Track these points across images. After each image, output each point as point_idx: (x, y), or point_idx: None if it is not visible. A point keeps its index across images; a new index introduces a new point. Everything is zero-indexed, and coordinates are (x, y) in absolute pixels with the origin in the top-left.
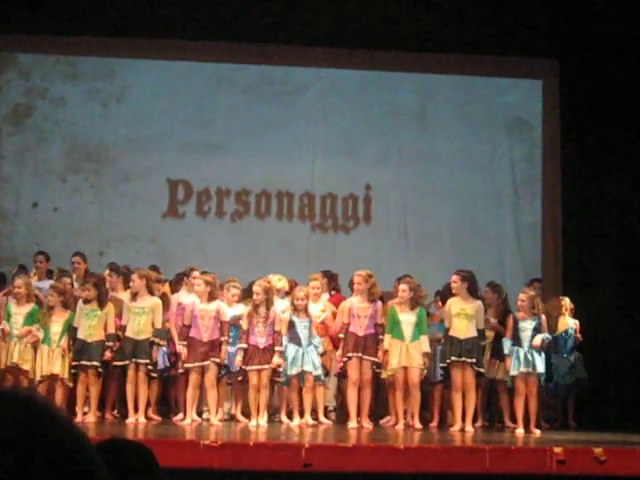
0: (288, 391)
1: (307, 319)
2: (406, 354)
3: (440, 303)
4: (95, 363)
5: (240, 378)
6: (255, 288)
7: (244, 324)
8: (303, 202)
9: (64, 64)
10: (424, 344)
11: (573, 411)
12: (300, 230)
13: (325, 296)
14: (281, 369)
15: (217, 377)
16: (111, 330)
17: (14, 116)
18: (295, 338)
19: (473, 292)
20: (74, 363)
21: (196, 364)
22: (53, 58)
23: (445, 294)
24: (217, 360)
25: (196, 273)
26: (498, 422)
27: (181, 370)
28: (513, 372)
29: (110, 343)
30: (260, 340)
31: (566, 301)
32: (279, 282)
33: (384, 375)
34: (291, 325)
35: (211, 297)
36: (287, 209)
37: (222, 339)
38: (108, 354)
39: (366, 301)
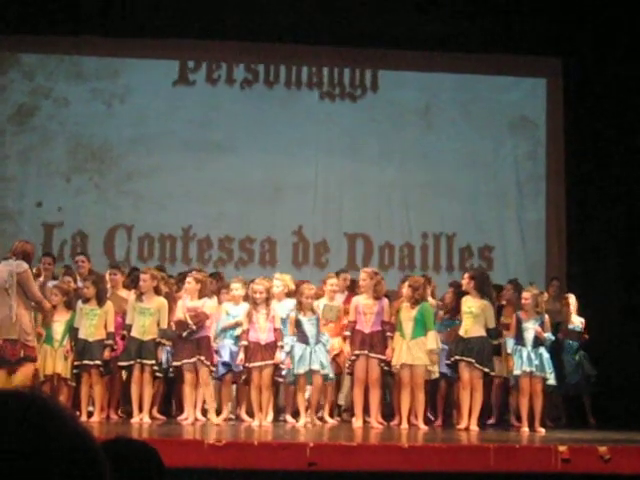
0: (295, 390)
1: (314, 316)
2: (407, 351)
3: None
4: (97, 362)
5: (244, 377)
6: (257, 287)
7: (244, 323)
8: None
9: (68, 64)
10: (430, 341)
11: (590, 408)
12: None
13: (339, 296)
14: (284, 366)
15: (212, 374)
16: (111, 328)
17: (18, 116)
18: (302, 337)
19: (480, 291)
20: (76, 363)
21: (184, 361)
22: (57, 58)
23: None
24: (202, 358)
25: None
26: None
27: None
28: (516, 372)
29: (110, 341)
30: (262, 336)
31: (572, 299)
32: (291, 283)
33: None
34: (298, 324)
35: (201, 295)
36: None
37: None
38: (107, 353)
39: (372, 298)
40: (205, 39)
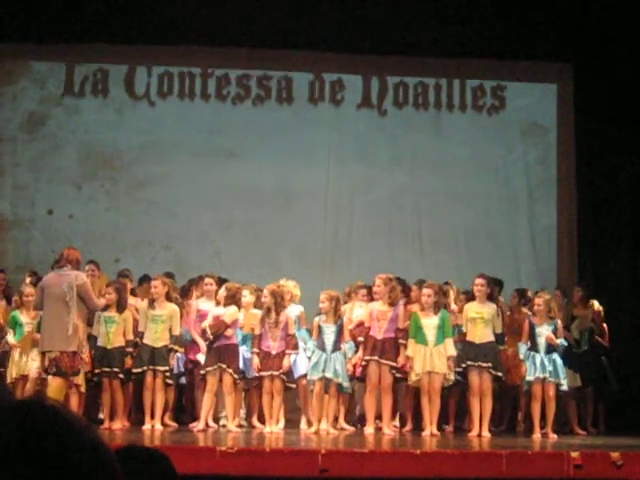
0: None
1: (334, 324)
2: (430, 359)
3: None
4: (115, 369)
5: (256, 384)
6: (264, 292)
7: (256, 329)
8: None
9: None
10: (449, 347)
11: (603, 415)
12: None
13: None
14: (303, 372)
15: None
16: (130, 336)
17: (29, 124)
18: (320, 343)
19: (490, 297)
20: (96, 371)
21: (208, 368)
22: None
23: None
24: (223, 366)
25: (208, 280)
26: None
27: (200, 374)
28: (529, 377)
29: (130, 349)
30: (272, 344)
31: (596, 304)
32: (294, 289)
33: (412, 380)
34: (319, 330)
35: (227, 303)
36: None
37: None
38: (129, 361)
39: (386, 304)
40: (215, 46)
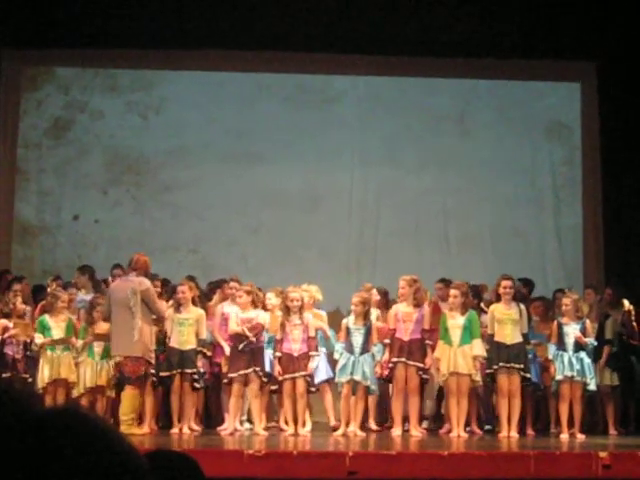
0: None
1: (363, 326)
2: (454, 359)
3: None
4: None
5: (275, 387)
6: (294, 295)
7: (277, 334)
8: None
9: (102, 77)
10: (476, 347)
11: (634, 415)
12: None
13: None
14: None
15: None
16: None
17: (54, 130)
18: (348, 346)
19: (516, 297)
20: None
21: (240, 372)
22: (91, 71)
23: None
24: (257, 369)
25: (233, 284)
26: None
27: (225, 380)
28: (558, 377)
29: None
30: (295, 347)
31: (626, 303)
32: (317, 293)
33: (440, 381)
34: (347, 332)
35: (253, 306)
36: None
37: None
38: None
39: (411, 306)
40: (239, 49)
